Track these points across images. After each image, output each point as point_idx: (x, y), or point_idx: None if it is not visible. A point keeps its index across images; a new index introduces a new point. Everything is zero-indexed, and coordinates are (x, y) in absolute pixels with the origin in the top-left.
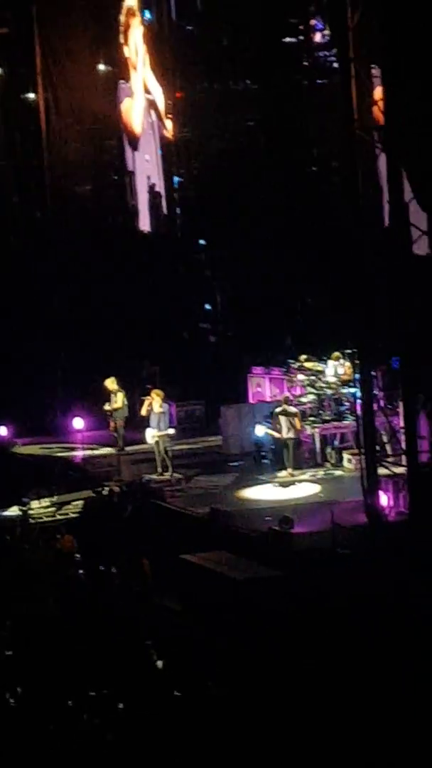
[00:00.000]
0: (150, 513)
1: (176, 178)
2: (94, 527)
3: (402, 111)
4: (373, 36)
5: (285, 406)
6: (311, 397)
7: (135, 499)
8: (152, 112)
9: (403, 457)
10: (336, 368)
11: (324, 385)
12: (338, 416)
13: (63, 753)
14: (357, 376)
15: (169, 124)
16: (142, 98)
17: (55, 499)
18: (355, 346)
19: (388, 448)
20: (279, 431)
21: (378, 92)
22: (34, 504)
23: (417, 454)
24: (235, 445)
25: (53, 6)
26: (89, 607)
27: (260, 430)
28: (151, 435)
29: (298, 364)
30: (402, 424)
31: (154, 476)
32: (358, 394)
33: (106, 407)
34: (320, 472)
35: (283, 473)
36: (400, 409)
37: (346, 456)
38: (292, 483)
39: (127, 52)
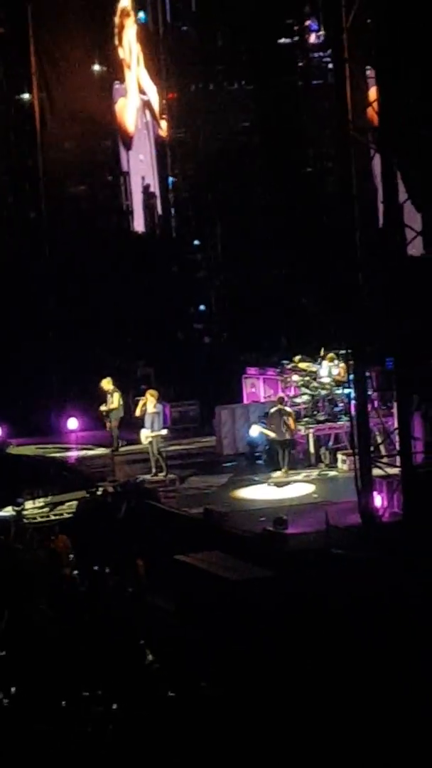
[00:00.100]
0: (144, 513)
1: (171, 179)
2: (88, 527)
3: (396, 112)
4: (367, 37)
5: (280, 406)
6: (305, 397)
7: (129, 500)
8: (147, 113)
9: (397, 458)
10: (330, 369)
11: (318, 385)
12: (332, 417)
13: (57, 753)
14: (351, 376)
15: (164, 124)
16: (136, 98)
17: (49, 499)
18: (350, 346)
19: (382, 448)
20: (274, 431)
21: (373, 93)
22: (28, 504)
23: (411, 454)
24: (229, 446)
25: (48, 6)
26: (83, 607)
27: (255, 430)
28: (144, 435)
29: (292, 364)
30: (396, 424)
31: (148, 477)
32: (353, 394)
33: (102, 408)
34: (314, 473)
35: (277, 474)
36: (394, 410)
37: (340, 457)
38: (287, 483)
39: (122, 53)
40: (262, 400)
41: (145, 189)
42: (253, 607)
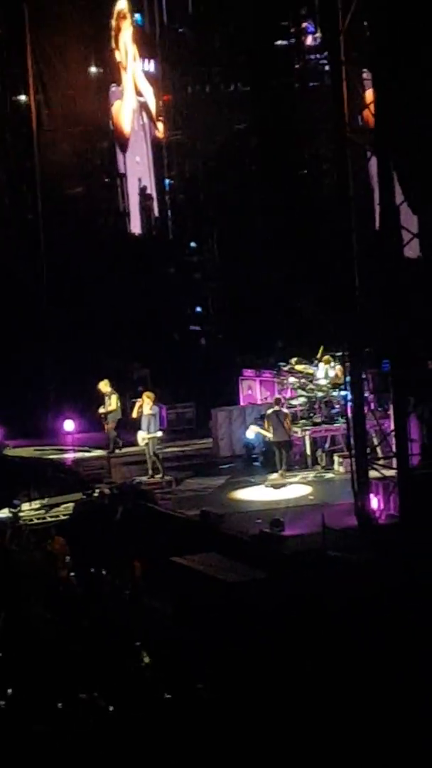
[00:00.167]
0: (141, 515)
1: (168, 181)
2: (84, 529)
3: (393, 114)
4: (364, 39)
5: (277, 407)
6: (302, 399)
7: (126, 502)
8: (144, 114)
9: (394, 460)
10: (327, 371)
11: (315, 387)
12: (329, 419)
13: (53, 755)
14: (348, 378)
15: (160, 126)
16: (132, 100)
17: (45, 501)
18: (346, 348)
19: (378, 450)
20: (271, 432)
21: (369, 95)
22: (25, 506)
23: (407, 456)
24: (225, 448)
25: (45, 8)
26: (80, 609)
27: (252, 431)
28: (141, 437)
29: (289, 366)
30: (392, 426)
31: (144, 479)
32: (349, 396)
33: (101, 410)
34: (311, 475)
35: (274, 475)
36: (391, 412)
37: (336, 459)
38: (283, 485)
39: (119, 56)
40: (259, 402)
41: (142, 191)
42: (250, 608)
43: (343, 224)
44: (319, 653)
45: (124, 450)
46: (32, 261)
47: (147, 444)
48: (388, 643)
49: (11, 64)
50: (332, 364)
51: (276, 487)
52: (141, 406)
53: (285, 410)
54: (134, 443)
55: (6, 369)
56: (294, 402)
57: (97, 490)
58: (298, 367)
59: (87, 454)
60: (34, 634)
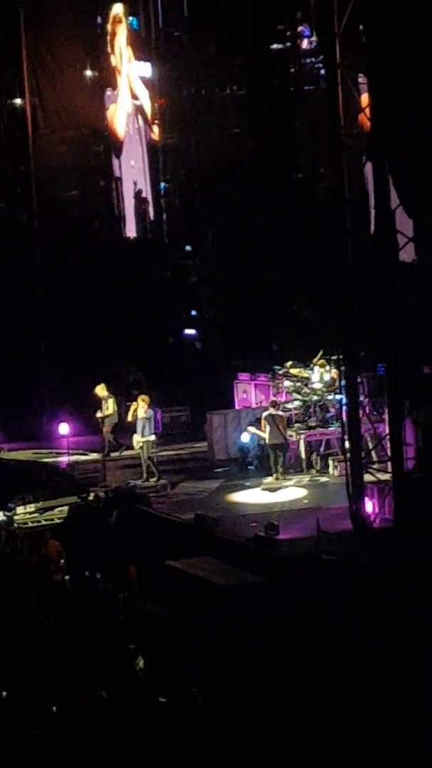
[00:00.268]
0: (135, 519)
1: (163, 184)
2: (79, 533)
3: (388, 118)
4: (359, 43)
5: (272, 410)
6: (297, 403)
7: (120, 505)
8: (139, 118)
9: (389, 464)
10: (322, 375)
11: (310, 391)
12: (324, 423)
13: (47, 758)
14: (343, 382)
15: (156, 129)
16: (127, 103)
17: (40, 504)
18: (341, 352)
19: (373, 454)
20: (267, 434)
21: (365, 99)
22: (20, 509)
23: (402, 460)
24: (220, 451)
25: (40, 12)
26: (74, 613)
27: (247, 434)
28: (136, 441)
29: (284, 370)
30: (387, 430)
31: (139, 482)
32: (344, 400)
33: (99, 415)
34: (306, 479)
35: (269, 479)
36: (386, 416)
37: (331, 462)
38: (278, 489)
39: (114, 60)
40: (254, 405)
41: (137, 194)
42: (245, 612)
43: (339, 228)
44: (314, 657)
45: (119, 454)
46: (27, 265)
47: (142, 447)
48: (383, 646)
49: (6, 67)
50: (327, 368)
51: (271, 490)
52: (136, 410)
53: (280, 413)
54: (129, 446)
55: (1, 372)
56: (289, 405)
57: (92, 494)
58: (293, 371)
59: (82, 458)
60: (28, 638)
